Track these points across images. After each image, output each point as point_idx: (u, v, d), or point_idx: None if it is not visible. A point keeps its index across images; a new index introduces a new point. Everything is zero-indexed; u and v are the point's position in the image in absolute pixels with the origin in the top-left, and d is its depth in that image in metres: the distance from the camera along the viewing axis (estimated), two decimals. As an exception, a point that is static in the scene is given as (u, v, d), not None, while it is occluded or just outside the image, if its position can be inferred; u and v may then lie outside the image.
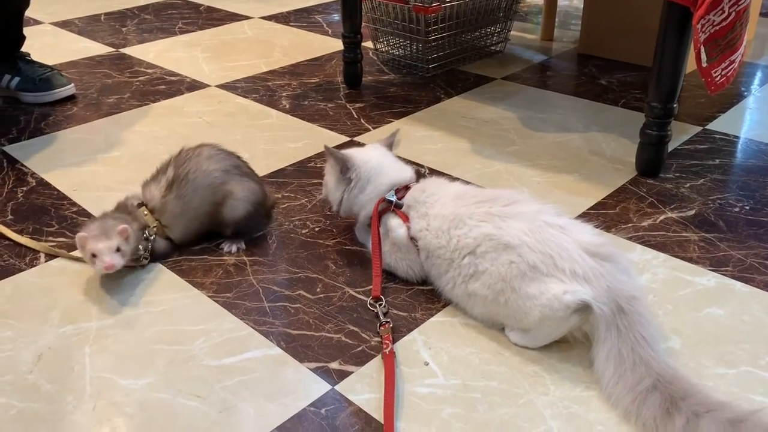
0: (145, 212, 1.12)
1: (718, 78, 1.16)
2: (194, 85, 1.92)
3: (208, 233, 1.18)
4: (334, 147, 1.14)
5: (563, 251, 0.89)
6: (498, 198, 1.00)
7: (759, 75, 1.92)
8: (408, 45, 2.01)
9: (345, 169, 1.11)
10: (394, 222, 1.07)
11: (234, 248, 1.16)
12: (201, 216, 1.14)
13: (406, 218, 1.06)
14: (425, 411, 0.84)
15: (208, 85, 1.92)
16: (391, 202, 1.08)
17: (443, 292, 1.03)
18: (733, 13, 1.09)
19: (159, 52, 2.20)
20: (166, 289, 1.07)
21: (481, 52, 2.11)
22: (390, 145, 1.19)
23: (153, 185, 1.14)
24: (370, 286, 1.06)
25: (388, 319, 0.98)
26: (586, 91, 1.83)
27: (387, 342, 0.92)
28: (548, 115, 1.68)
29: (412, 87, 1.89)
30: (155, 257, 1.13)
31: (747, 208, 1.26)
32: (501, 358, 0.92)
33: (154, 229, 1.12)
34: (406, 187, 1.09)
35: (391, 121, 1.67)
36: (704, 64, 1.13)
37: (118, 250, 1.03)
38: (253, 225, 1.17)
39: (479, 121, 1.66)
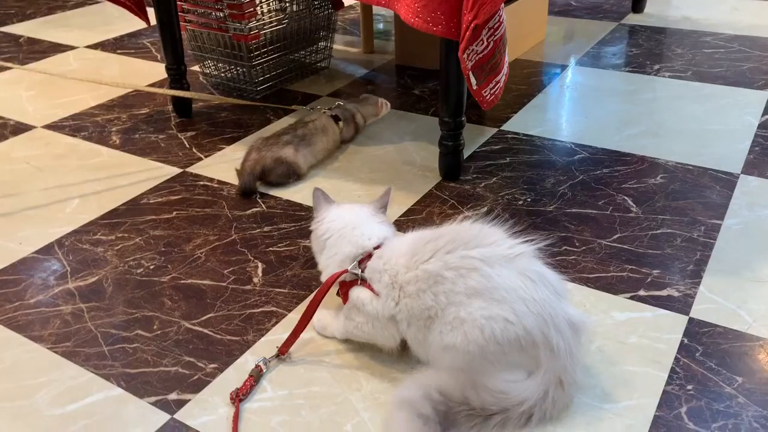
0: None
1: (488, 96, 1.36)
2: (19, 128, 1.90)
3: None
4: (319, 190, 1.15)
5: (557, 319, 0.92)
6: (462, 237, 0.97)
7: (546, 75, 2.20)
8: (234, 69, 2.10)
9: (314, 214, 1.13)
10: (364, 295, 1.03)
11: None
12: None
13: (373, 290, 1.02)
14: (255, 424, 0.97)
15: (34, 127, 1.91)
16: (356, 276, 1.04)
17: (428, 353, 0.99)
18: (492, 43, 1.30)
19: (-23, 94, 2.13)
20: (3, 347, 1.12)
21: (308, 70, 2.24)
22: (384, 206, 1.13)
23: None
24: (206, 317, 1.17)
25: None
26: (403, 102, 2.02)
27: (246, 387, 1.01)
28: (369, 129, 1.85)
29: (243, 110, 1.99)
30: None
31: (528, 200, 1.49)
32: (323, 365, 1.07)
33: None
34: (369, 255, 1.05)
35: (223, 148, 1.76)
36: (474, 87, 1.33)
37: None
38: None
39: (305, 140, 1.80)
